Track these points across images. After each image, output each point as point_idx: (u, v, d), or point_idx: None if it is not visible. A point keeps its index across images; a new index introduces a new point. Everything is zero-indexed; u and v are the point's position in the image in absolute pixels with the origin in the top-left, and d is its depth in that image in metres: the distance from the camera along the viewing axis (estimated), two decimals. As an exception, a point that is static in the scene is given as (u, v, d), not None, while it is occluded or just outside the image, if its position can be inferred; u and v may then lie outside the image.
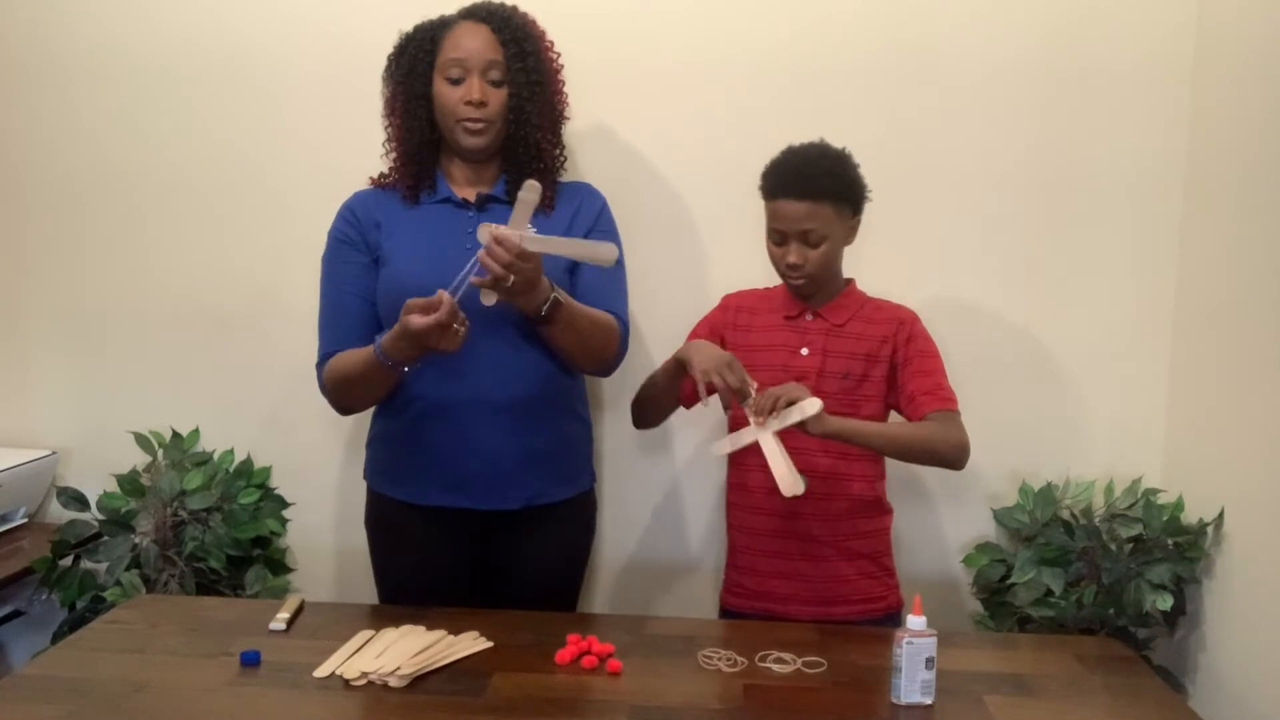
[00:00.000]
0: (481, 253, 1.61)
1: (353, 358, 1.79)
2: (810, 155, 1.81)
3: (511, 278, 1.61)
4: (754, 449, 1.73)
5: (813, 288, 1.84)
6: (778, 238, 1.81)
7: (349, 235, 1.87)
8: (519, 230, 1.61)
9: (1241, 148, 1.97)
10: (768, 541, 1.87)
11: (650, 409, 1.96)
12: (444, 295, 1.62)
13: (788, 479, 1.69)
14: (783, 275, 1.84)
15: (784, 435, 1.70)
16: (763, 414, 1.69)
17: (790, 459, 1.70)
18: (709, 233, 2.25)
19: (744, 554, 1.91)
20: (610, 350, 1.87)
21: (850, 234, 1.84)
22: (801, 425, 1.67)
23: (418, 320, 1.62)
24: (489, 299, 1.66)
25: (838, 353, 1.84)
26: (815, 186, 1.76)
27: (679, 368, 1.81)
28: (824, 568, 1.85)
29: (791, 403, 1.67)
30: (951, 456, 1.79)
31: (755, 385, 1.72)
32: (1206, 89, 2.10)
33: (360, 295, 1.85)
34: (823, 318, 1.87)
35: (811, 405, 1.66)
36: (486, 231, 1.61)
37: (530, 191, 1.61)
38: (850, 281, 1.92)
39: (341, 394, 1.84)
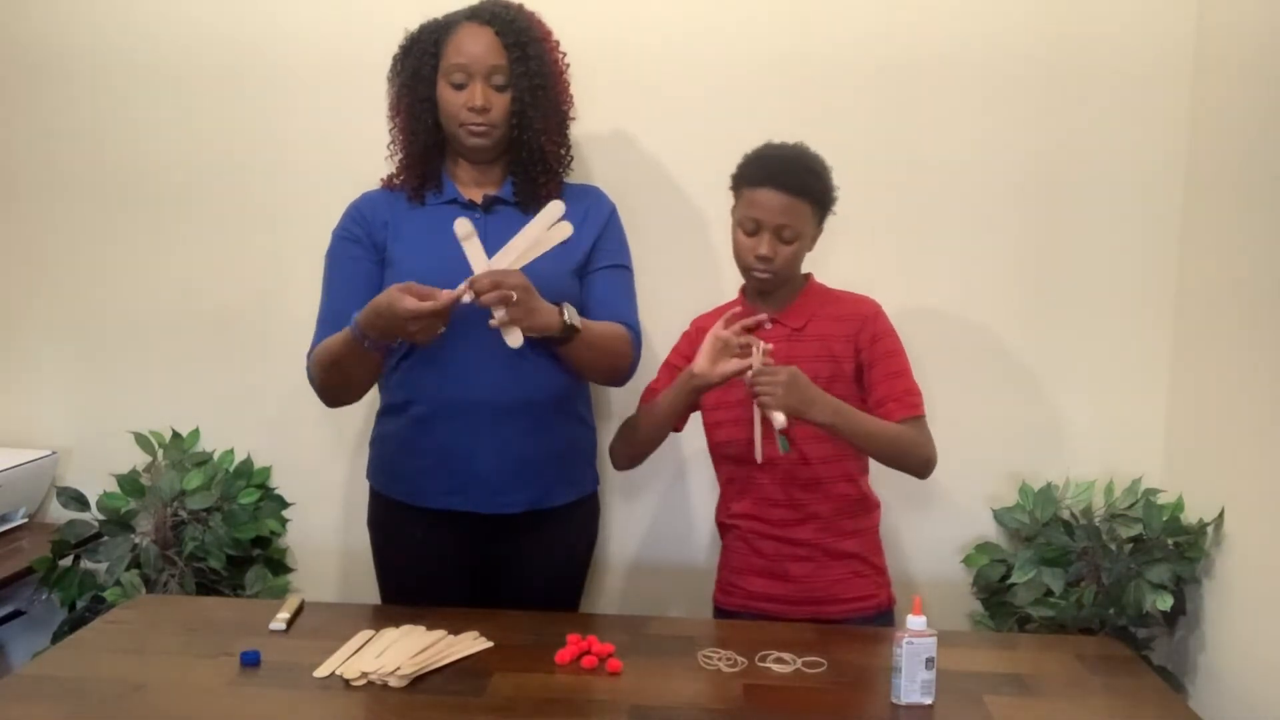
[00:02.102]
0: (477, 296, 1.62)
1: (333, 339, 1.77)
2: (797, 152, 1.80)
3: (514, 295, 1.63)
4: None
5: (772, 285, 1.82)
6: (751, 226, 1.77)
7: (355, 233, 1.87)
8: (482, 264, 1.65)
9: (1242, 148, 1.97)
10: (757, 542, 1.86)
11: (642, 449, 1.93)
12: (441, 293, 1.61)
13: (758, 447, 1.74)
14: (747, 267, 1.81)
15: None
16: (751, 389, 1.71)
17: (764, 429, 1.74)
18: (717, 234, 2.23)
19: (734, 554, 1.91)
20: (624, 362, 1.87)
21: (813, 241, 1.83)
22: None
23: (410, 302, 1.60)
24: (514, 340, 1.67)
25: (801, 357, 1.80)
26: (799, 183, 1.75)
27: (688, 396, 1.81)
28: (813, 567, 1.84)
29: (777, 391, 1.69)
30: (918, 469, 1.81)
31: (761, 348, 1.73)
32: (1206, 89, 2.10)
33: (360, 291, 1.82)
34: (781, 323, 1.84)
35: (778, 420, 1.68)
36: (465, 288, 1.63)
37: (462, 227, 1.65)
38: (808, 277, 1.89)
39: (323, 378, 1.81)
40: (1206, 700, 1.99)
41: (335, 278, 1.87)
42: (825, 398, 1.72)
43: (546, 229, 1.70)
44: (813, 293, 1.87)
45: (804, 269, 1.87)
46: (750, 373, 1.70)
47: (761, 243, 1.76)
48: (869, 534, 1.89)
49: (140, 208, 2.34)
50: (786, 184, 1.75)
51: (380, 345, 1.71)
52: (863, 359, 1.82)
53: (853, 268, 1.94)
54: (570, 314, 1.73)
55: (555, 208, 1.70)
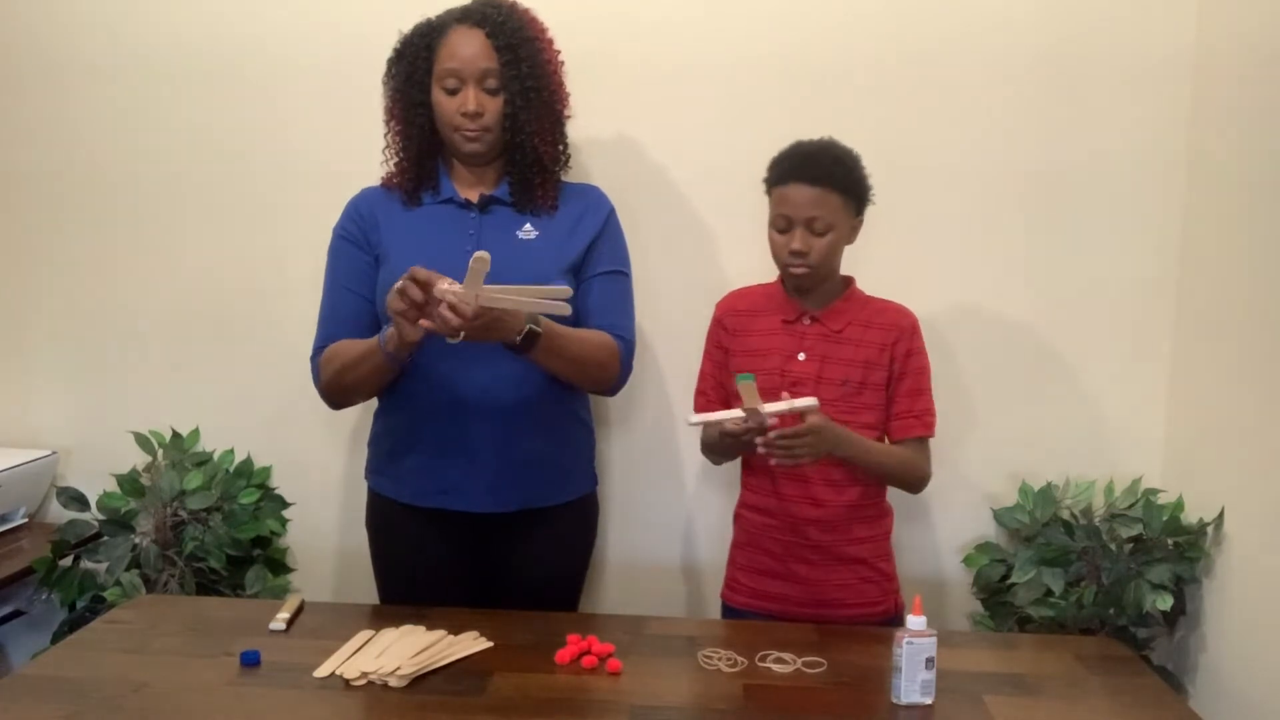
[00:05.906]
0: (437, 312, 1.56)
1: (352, 345, 1.76)
2: (823, 144, 1.81)
3: (462, 334, 1.57)
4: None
5: (811, 281, 1.82)
6: (783, 224, 1.78)
7: (351, 232, 1.87)
8: (473, 291, 1.55)
9: (1242, 147, 1.97)
10: (768, 541, 1.87)
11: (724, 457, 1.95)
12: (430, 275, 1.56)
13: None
14: (783, 264, 1.81)
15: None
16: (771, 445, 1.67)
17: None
18: (717, 234, 2.24)
19: (743, 551, 1.91)
20: (609, 372, 1.84)
21: (853, 233, 1.83)
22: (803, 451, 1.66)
23: (394, 300, 1.57)
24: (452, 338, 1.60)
25: (836, 359, 1.83)
26: (826, 174, 1.76)
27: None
28: (821, 571, 1.84)
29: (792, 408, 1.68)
30: (912, 487, 1.91)
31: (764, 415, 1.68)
32: (1207, 89, 2.10)
33: (358, 291, 1.84)
34: (821, 323, 1.85)
35: (806, 401, 1.67)
36: (443, 290, 1.55)
37: (480, 263, 1.52)
38: (850, 282, 1.90)
39: (334, 382, 1.80)
40: (1206, 700, 1.99)
41: (334, 276, 1.87)
42: (845, 435, 1.75)
43: (547, 299, 1.61)
44: (854, 298, 1.88)
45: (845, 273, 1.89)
46: (772, 437, 1.66)
47: (794, 238, 1.77)
48: (880, 541, 1.90)
49: (140, 208, 2.34)
50: (812, 176, 1.75)
51: (397, 358, 1.69)
52: (895, 370, 1.84)
53: (849, 268, 1.93)
54: (534, 324, 1.66)
55: (564, 292, 1.60)
